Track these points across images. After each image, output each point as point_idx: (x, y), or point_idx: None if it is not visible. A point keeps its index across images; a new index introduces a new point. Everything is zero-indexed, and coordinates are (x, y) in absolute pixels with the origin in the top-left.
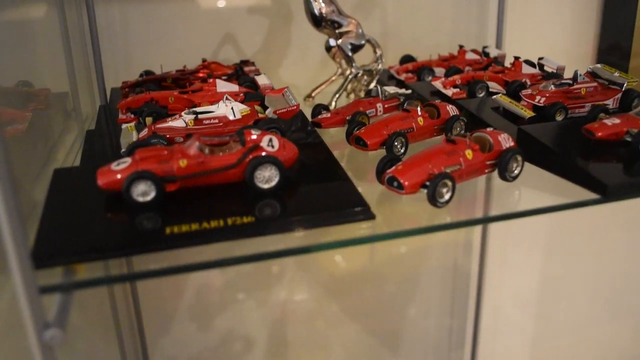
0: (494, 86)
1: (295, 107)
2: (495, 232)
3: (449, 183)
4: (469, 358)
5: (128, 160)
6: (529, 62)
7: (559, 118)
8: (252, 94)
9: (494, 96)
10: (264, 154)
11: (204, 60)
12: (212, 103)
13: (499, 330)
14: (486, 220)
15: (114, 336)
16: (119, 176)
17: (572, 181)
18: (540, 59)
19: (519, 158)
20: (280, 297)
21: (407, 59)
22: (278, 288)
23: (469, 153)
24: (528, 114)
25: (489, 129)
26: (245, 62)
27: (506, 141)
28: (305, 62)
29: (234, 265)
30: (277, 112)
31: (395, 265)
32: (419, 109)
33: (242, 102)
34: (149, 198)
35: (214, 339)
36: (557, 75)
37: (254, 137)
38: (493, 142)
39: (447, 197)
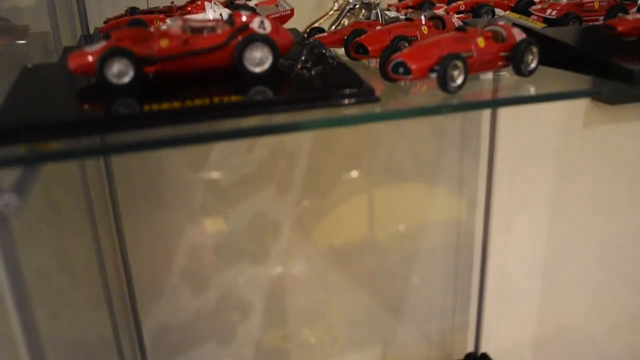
0: (499, 12)
1: (289, 11)
2: (499, 192)
3: (460, 64)
4: (474, 322)
5: (103, 42)
6: None
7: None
8: (243, 5)
9: (502, 13)
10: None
11: None
12: None
13: (505, 293)
14: (497, 104)
15: (104, 303)
16: (90, 58)
17: (594, 75)
18: None
19: (535, 49)
20: (277, 268)
21: None
22: (275, 257)
23: (480, 41)
24: (539, 25)
25: (500, 22)
26: None
27: (519, 34)
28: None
29: (217, 141)
30: (271, 16)
31: (396, 229)
32: (422, 17)
33: None
34: (126, 79)
35: (209, 305)
36: None
37: (243, 18)
38: (506, 34)
39: (459, 80)
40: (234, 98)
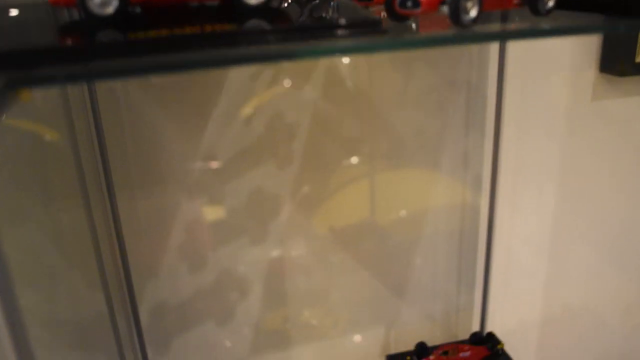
0: None
1: None
2: (505, 170)
3: None
4: (480, 302)
5: None
6: None
7: None
8: None
9: None
10: None
11: None
12: None
13: (511, 273)
14: (509, 36)
15: (98, 281)
16: None
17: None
18: None
19: None
20: (277, 248)
21: None
22: (275, 239)
23: None
24: None
25: None
26: None
27: None
28: None
29: (210, 67)
30: None
31: (399, 210)
32: None
33: None
34: (109, 10)
35: (207, 284)
36: None
37: None
38: None
39: (472, 13)
40: (227, 27)
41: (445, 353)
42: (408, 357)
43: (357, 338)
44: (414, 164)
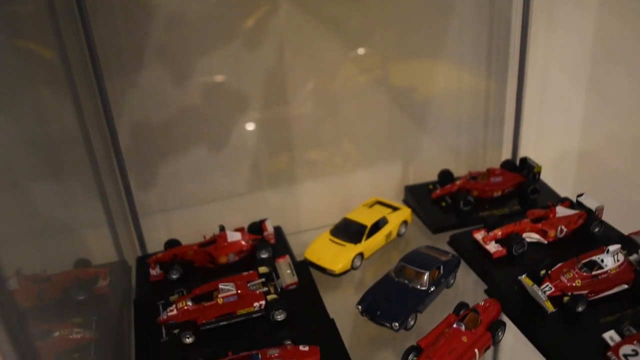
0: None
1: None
2: None
3: None
4: (511, 136)
5: None
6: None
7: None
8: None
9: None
10: None
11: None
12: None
13: (546, 102)
14: None
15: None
16: None
17: None
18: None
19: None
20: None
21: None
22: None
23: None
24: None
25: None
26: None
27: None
28: None
29: None
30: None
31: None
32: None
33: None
34: None
35: (196, 100)
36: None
37: None
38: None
39: None
40: None
41: (474, 178)
42: (430, 186)
43: (371, 173)
44: None
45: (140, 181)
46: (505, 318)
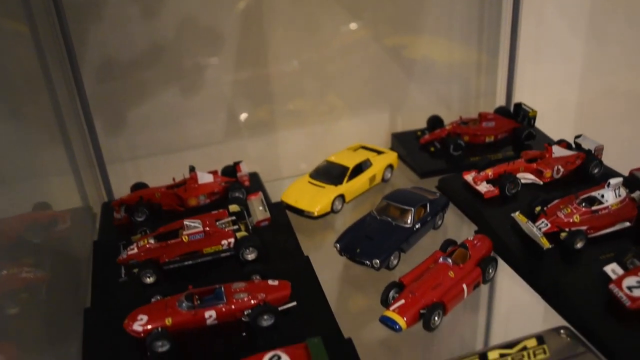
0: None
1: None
2: None
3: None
4: (504, 82)
5: None
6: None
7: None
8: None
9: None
10: None
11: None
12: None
13: (541, 51)
14: None
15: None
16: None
17: None
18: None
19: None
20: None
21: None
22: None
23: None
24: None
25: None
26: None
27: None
28: None
29: None
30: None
31: None
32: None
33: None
34: None
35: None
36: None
37: None
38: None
39: None
40: None
41: (465, 124)
42: (418, 133)
43: (357, 122)
44: None
45: (107, 126)
46: (499, 262)
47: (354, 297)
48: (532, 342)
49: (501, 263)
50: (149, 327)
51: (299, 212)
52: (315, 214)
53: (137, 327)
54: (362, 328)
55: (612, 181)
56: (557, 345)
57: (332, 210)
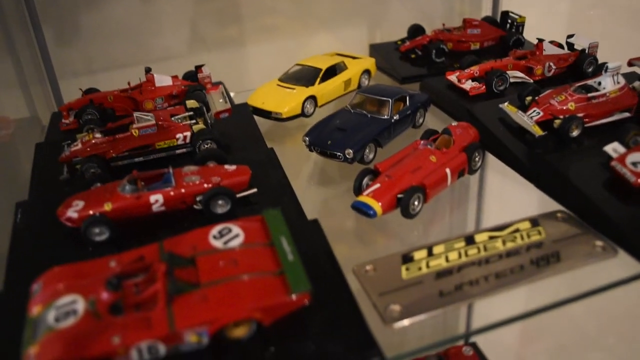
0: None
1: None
2: None
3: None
4: None
5: None
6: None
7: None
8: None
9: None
10: None
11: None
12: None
13: None
14: None
15: None
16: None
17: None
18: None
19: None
20: None
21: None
22: None
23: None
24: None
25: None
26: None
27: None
28: None
29: None
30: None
31: None
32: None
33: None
34: None
35: None
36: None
37: None
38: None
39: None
40: None
41: (448, 30)
42: (398, 42)
43: (333, 34)
44: None
45: (59, 37)
46: (489, 158)
47: (325, 192)
48: (525, 225)
49: (492, 158)
50: (86, 213)
51: (266, 114)
52: (283, 115)
53: (72, 213)
54: (332, 218)
55: (610, 65)
56: (554, 227)
57: (303, 114)
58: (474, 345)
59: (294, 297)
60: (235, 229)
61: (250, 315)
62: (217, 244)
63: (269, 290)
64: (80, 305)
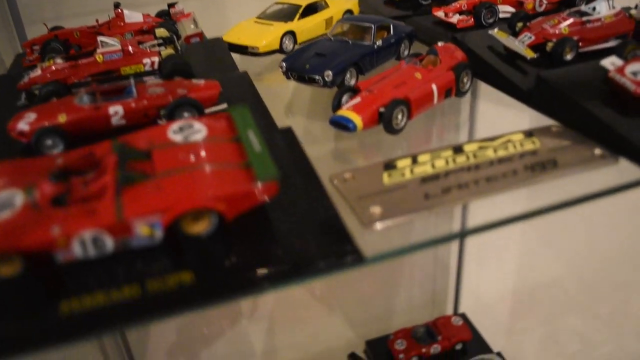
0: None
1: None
2: None
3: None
4: None
5: None
6: None
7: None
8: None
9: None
10: None
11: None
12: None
13: None
14: None
15: None
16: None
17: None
18: None
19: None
20: None
21: None
22: None
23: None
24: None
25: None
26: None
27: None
28: None
29: None
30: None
31: None
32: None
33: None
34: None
35: None
36: None
37: None
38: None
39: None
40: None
41: None
42: None
43: None
44: None
45: None
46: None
47: (301, 116)
48: (518, 136)
49: (483, 86)
50: (38, 125)
51: (243, 50)
52: (260, 49)
53: (23, 125)
54: (313, 144)
55: None
56: (549, 138)
57: (282, 50)
58: (464, 316)
59: (259, 185)
60: (198, 125)
61: (209, 205)
62: (177, 137)
63: (232, 180)
64: (19, 198)
